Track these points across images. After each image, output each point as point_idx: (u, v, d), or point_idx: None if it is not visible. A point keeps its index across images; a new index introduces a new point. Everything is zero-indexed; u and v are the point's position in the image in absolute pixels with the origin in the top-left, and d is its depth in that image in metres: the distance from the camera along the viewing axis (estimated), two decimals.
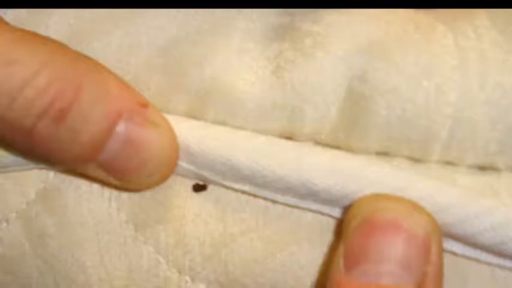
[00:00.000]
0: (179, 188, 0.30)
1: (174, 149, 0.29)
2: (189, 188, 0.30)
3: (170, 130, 0.29)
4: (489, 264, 0.28)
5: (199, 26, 0.30)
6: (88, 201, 0.30)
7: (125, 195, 0.30)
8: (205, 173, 0.29)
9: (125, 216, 0.30)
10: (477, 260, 0.28)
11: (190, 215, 0.30)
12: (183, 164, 0.29)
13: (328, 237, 0.29)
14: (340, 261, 0.27)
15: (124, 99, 0.28)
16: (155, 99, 0.29)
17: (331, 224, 0.29)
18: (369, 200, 0.28)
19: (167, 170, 0.29)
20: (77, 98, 0.27)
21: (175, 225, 0.30)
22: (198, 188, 0.30)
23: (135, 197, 0.30)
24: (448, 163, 0.29)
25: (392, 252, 0.26)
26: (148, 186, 0.30)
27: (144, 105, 0.29)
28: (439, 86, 0.27)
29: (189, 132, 0.29)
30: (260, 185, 0.29)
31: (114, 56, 0.30)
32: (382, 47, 0.28)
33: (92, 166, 0.28)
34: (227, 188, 0.29)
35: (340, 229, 0.29)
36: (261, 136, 0.29)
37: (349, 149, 0.29)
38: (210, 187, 0.30)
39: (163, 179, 0.30)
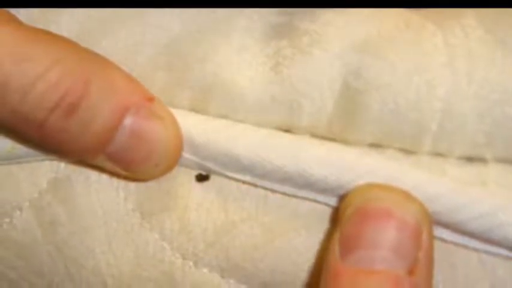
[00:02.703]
0: (183, 178, 0.31)
1: (179, 141, 0.30)
2: (193, 178, 0.31)
3: (175, 123, 0.30)
4: (477, 250, 0.29)
5: (201, 25, 0.30)
6: (97, 190, 0.31)
7: (132, 185, 0.31)
8: (208, 164, 0.30)
9: (131, 205, 0.31)
10: (465, 247, 0.29)
11: (194, 204, 0.30)
12: (186, 155, 0.30)
13: (325, 224, 0.30)
14: (336, 248, 0.27)
15: (131, 94, 0.29)
16: (160, 94, 0.30)
17: (327, 212, 0.30)
18: (362, 189, 0.28)
19: (172, 161, 0.30)
20: (87, 93, 0.28)
21: (179, 213, 0.30)
22: (201, 178, 0.31)
23: (142, 186, 0.31)
24: (438, 155, 0.29)
25: (385, 239, 0.27)
26: (154, 177, 0.31)
27: (150, 99, 0.29)
28: (429, 81, 0.28)
29: (192, 125, 0.30)
30: (260, 175, 0.30)
31: (121, 53, 0.30)
32: (376, 44, 0.29)
33: (101, 158, 0.29)
34: (229, 178, 0.30)
35: (336, 217, 0.29)
36: (260, 129, 0.30)
37: (344, 141, 0.30)
38: (213, 177, 0.30)
39: (168, 169, 0.30)
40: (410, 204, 0.27)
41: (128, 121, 0.29)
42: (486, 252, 0.29)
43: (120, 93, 0.29)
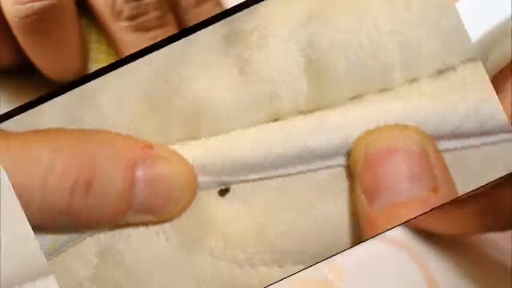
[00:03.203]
0: (207, 199, 0.32)
1: (190, 173, 0.31)
2: (216, 195, 0.32)
3: (179, 158, 0.31)
4: (479, 145, 0.31)
5: (168, 63, 0.32)
6: (140, 244, 0.32)
7: (167, 225, 0.32)
8: (222, 178, 0.32)
9: (174, 242, 0.32)
10: (470, 146, 0.31)
11: (225, 217, 0.32)
12: (201, 179, 0.32)
13: (345, 183, 0.31)
14: (361, 198, 0.29)
15: (132, 150, 0.30)
16: (155, 137, 0.31)
17: (342, 172, 0.31)
18: (362, 138, 0.30)
19: (190, 192, 0.31)
20: (94, 167, 0.29)
21: (217, 230, 0.32)
22: (223, 192, 0.32)
23: (175, 223, 0.32)
24: (411, 80, 0.31)
25: (400, 173, 0.28)
26: (179, 214, 0.32)
27: (150, 146, 0.31)
28: (375, 23, 0.30)
29: (194, 151, 0.31)
30: (269, 168, 0.31)
31: (109, 117, 0.31)
32: (319, 14, 0.31)
33: (129, 214, 0.31)
34: (245, 181, 0.32)
35: (351, 172, 0.31)
36: (251, 128, 0.31)
37: (327, 106, 0.31)
38: (232, 187, 0.32)
39: (190, 201, 0.32)
40: (408, 133, 0.29)
41: (139, 174, 0.30)
42: (486, 144, 0.31)
43: (124, 154, 0.30)
